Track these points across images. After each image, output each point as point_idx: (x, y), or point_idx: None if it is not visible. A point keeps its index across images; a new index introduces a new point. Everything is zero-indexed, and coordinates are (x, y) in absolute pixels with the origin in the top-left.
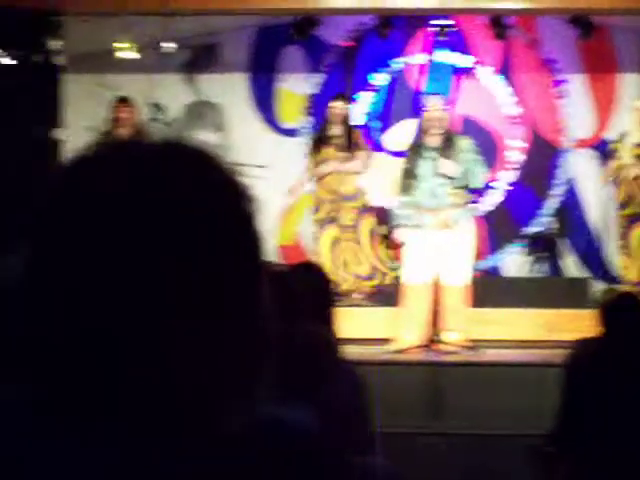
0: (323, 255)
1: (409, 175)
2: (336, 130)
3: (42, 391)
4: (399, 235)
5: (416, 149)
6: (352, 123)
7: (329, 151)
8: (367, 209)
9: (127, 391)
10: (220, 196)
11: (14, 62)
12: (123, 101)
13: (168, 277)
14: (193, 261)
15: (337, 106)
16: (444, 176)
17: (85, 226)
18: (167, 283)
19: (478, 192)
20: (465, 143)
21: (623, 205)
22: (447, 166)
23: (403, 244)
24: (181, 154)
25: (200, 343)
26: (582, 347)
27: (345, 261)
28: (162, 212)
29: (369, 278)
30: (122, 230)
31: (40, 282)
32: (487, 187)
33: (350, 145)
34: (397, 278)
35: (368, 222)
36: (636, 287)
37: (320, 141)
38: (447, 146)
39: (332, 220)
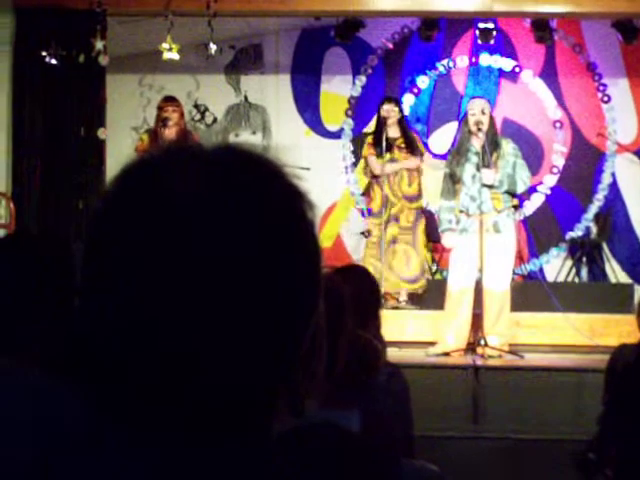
0: (385, 254)
1: (452, 179)
2: (394, 132)
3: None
4: (444, 240)
5: (458, 153)
6: (409, 125)
7: (395, 153)
8: (423, 211)
9: (159, 387)
10: (284, 202)
11: (60, 62)
12: (169, 100)
13: (221, 278)
14: (249, 262)
15: (389, 109)
16: (485, 186)
17: (142, 227)
18: (219, 284)
19: (521, 196)
20: (508, 147)
21: None
22: (487, 176)
23: (448, 249)
24: (241, 157)
25: (262, 348)
26: (623, 352)
27: (394, 262)
28: (229, 218)
29: (415, 280)
30: (188, 236)
31: (102, 284)
32: (530, 191)
33: (412, 148)
34: (439, 282)
35: (423, 224)
36: None
37: (378, 143)
38: (490, 150)
39: (395, 219)
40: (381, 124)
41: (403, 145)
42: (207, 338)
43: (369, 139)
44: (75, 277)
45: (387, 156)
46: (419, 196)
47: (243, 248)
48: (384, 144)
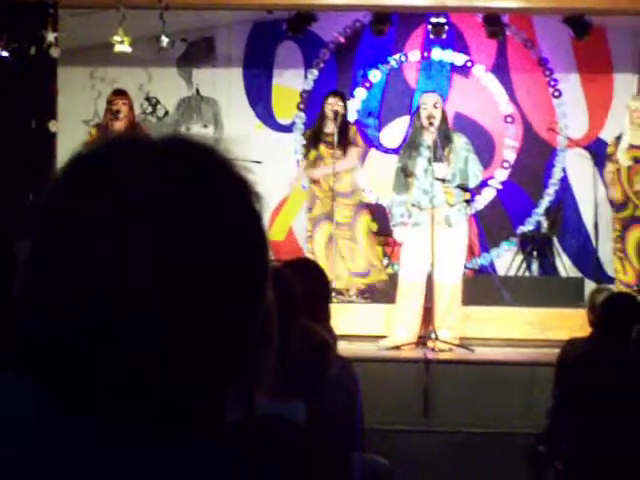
0: (317, 252)
1: (404, 173)
2: (330, 127)
3: (45, 387)
4: (396, 234)
5: (410, 147)
6: (347, 120)
7: (322, 148)
8: (363, 205)
9: (127, 386)
10: (233, 194)
11: (11, 54)
12: (119, 93)
13: (175, 271)
14: (201, 255)
15: (333, 102)
16: (436, 178)
17: (92, 220)
18: (173, 277)
19: (473, 190)
20: (460, 141)
21: (619, 207)
22: (440, 169)
23: (399, 243)
24: (191, 149)
25: (202, 338)
26: (573, 346)
27: (341, 258)
28: (179, 211)
29: (364, 275)
30: (129, 223)
31: (42, 278)
32: (482, 185)
33: (343, 142)
34: (391, 275)
35: (364, 219)
36: (629, 289)
37: (314, 138)
38: (442, 144)
39: (327, 217)
40: (323, 119)
41: (332, 141)
42: (172, 335)
43: (307, 134)
44: (15, 274)
45: (313, 153)
46: (354, 191)
47: (194, 242)
48: (309, 140)
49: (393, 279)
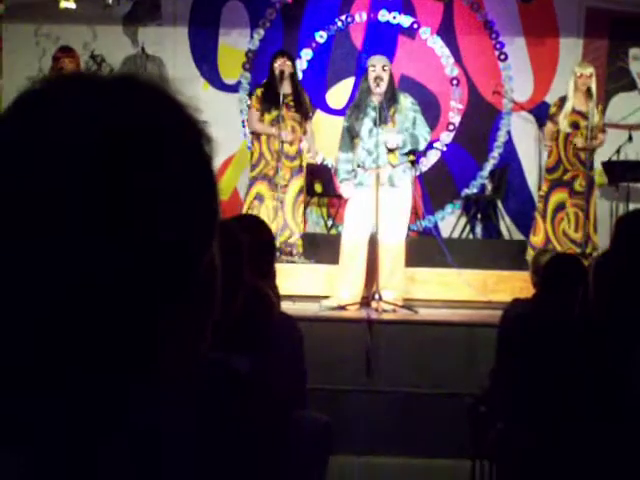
0: (246, 210)
1: (350, 133)
2: (286, 88)
3: None
4: (342, 190)
5: (357, 108)
6: (299, 81)
7: (283, 110)
8: (300, 170)
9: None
10: (181, 131)
11: None
12: (66, 51)
13: (118, 218)
14: (147, 198)
15: (281, 63)
16: (387, 148)
17: (35, 154)
18: (117, 226)
19: (418, 152)
20: (407, 101)
21: (550, 170)
22: (391, 139)
23: (346, 199)
24: (142, 86)
25: (152, 294)
26: (515, 307)
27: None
28: (120, 142)
29: (280, 235)
30: (74, 156)
31: None
32: (427, 148)
33: (301, 105)
34: (334, 237)
35: (298, 182)
36: (532, 249)
37: (273, 98)
38: (388, 105)
39: (264, 177)
40: (274, 79)
41: (292, 103)
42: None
43: (258, 92)
44: None
45: (274, 113)
46: (297, 155)
47: (141, 178)
48: (281, 99)
49: (336, 240)
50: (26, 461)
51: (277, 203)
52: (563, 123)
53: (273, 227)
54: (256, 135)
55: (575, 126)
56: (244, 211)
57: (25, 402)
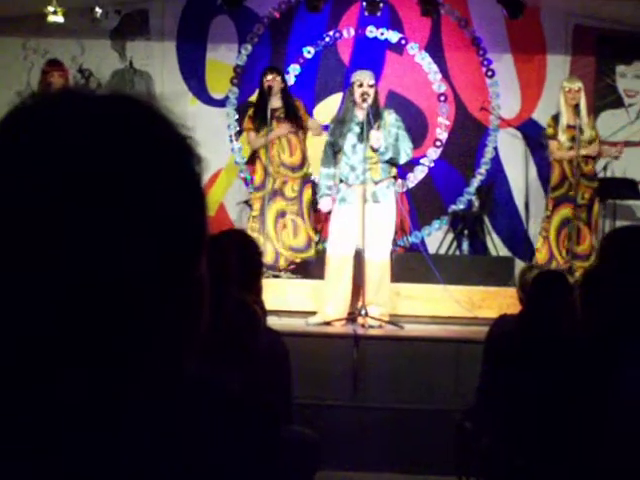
0: (269, 228)
1: (332, 148)
2: (275, 103)
3: None
4: (321, 204)
5: (341, 123)
6: (291, 94)
7: (274, 124)
8: (308, 179)
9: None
10: (169, 152)
11: None
12: (55, 65)
13: (112, 237)
14: (137, 217)
15: (271, 79)
16: (371, 148)
17: (29, 168)
18: (110, 244)
19: (402, 168)
20: (390, 117)
21: (555, 187)
22: (375, 138)
23: (325, 214)
24: (129, 105)
25: (140, 308)
26: (503, 323)
27: (284, 234)
28: (111, 157)
29: (304, 250)
30: (66, 181)
31: None
32: (414, 163)
33: (293, 117)
34: (320, 252)
35: (308, 193)
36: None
37: (262, 114)
38: (373, 120)
39: (280, 192)
40: (264, 95)
41: (282, 115)
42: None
43: (250, 112)
44: None
45: (265, 129)
46: (303, 165)
47: (132, 195)
48: (268, 115)
49: (323, 256)
50: (26, 461)
51: (296, 217)
52: (562, 138)
53: (296, 242)
54: (257, 152)
55: (573, 139)
56: (270, 234)
57: (24, 402)
